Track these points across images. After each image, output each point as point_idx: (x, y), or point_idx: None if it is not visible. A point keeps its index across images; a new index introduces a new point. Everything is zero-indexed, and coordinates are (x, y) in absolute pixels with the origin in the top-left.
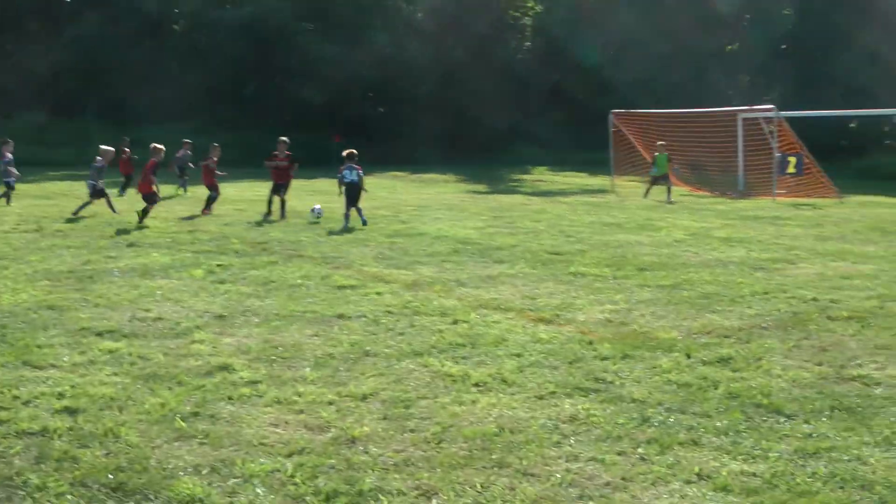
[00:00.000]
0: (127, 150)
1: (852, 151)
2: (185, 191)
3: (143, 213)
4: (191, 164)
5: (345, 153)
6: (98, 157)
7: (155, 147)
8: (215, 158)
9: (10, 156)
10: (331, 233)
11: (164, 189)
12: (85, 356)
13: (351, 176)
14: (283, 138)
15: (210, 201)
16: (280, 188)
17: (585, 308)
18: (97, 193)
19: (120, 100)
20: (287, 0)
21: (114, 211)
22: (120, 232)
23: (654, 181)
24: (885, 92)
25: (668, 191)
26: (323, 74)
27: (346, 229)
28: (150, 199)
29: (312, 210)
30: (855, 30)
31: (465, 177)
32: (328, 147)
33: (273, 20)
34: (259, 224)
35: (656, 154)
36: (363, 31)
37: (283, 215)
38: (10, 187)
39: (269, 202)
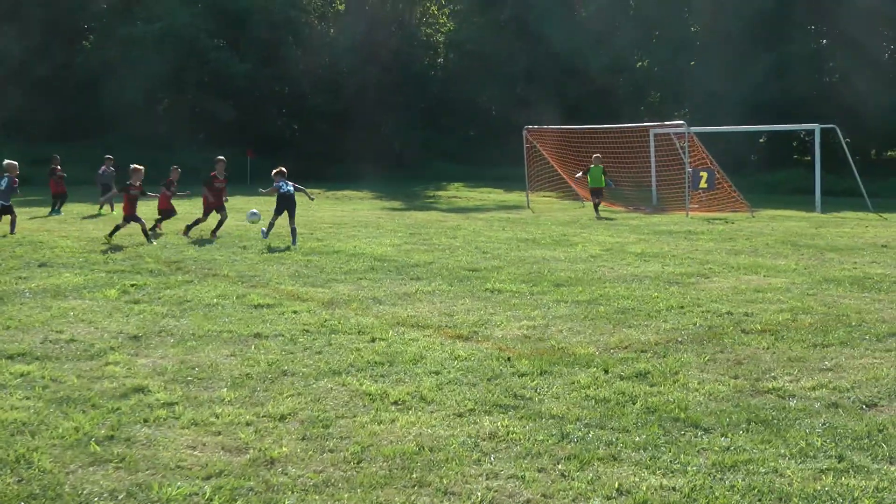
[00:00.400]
0: (58, 167)
1: (762, 166)
2: (102, 209)
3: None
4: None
5: (275, 171)
6: (6, 174)
7: (135, 168)
8: (173, 179)
9: None
10: (246, 250)
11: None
12: None
13: (287, 187)
14: (221, 157)
15: (195, 223)
16: (221, 209)
17: (503, 324)
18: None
19: (27, 116)
20: (199, 16)
21: (12, 231)
22: (31, 252)
23: (592, 195)
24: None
25: (596, 206)
26: (236, 90)
27: (265, 243)
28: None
29: (250, 214)
30: (762, 47)
31: (380, 193)
32: (242, 163)
33: (186, 36)
34: (174, 243)
35: (591, 166)
36: (276, 47)
37: (215, 234)
38: None
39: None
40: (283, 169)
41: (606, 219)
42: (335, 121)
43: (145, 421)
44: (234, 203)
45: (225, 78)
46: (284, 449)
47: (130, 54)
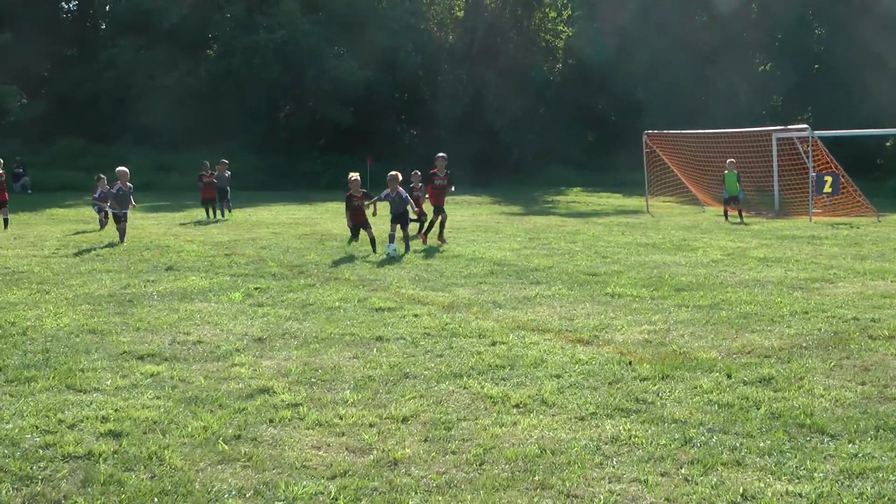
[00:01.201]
0: (207, 173)
1: (889, 170)
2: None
3: None
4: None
5: (391, 174)
6: (117, 182)
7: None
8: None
9: (106, 189)
10: (367, 255)
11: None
12: (127, 380)
13: (399, 194)
14: (442, 154)
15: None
16: (437, 210)
17: (623, 329)
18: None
19: (155, 124)
20: (317, 24)
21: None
22: (158, 256)
23: (727, 202)
24: None
25: (740, 213)
26: (353, 96)
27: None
28: None
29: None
30: (887, 50)
31: (499, 198)
32: (363, 170)
33: (305, 43)
34: (295, 247)
35: (725, 172)
36: (394, 53)
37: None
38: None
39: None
40: (398, 173)
41: (733, 224)
42: (452, 126)
43: (271, 421)
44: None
45: (344, 85)
46: (407, 450)
47: (252, 62)
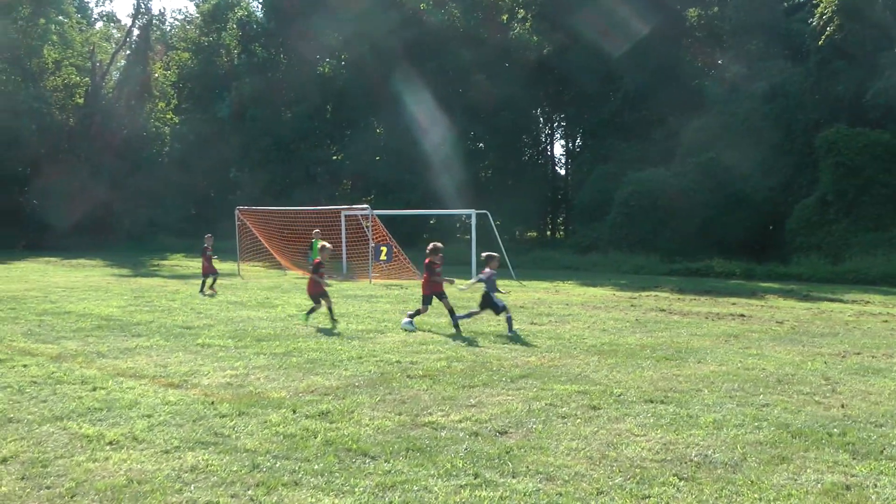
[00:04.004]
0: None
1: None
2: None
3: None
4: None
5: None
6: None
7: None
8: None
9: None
10: None
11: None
12: None
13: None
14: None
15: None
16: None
17: (210, 374)
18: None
19: None
20: None
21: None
22: None
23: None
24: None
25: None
26: None
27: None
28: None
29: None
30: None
31: (111, 262)
32: None
33: None
34: None
35: (313, 240)
36: (17, 132)
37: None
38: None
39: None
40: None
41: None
42: (72, 198)
43: None
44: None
45: None
46: (4, 488)
47: None
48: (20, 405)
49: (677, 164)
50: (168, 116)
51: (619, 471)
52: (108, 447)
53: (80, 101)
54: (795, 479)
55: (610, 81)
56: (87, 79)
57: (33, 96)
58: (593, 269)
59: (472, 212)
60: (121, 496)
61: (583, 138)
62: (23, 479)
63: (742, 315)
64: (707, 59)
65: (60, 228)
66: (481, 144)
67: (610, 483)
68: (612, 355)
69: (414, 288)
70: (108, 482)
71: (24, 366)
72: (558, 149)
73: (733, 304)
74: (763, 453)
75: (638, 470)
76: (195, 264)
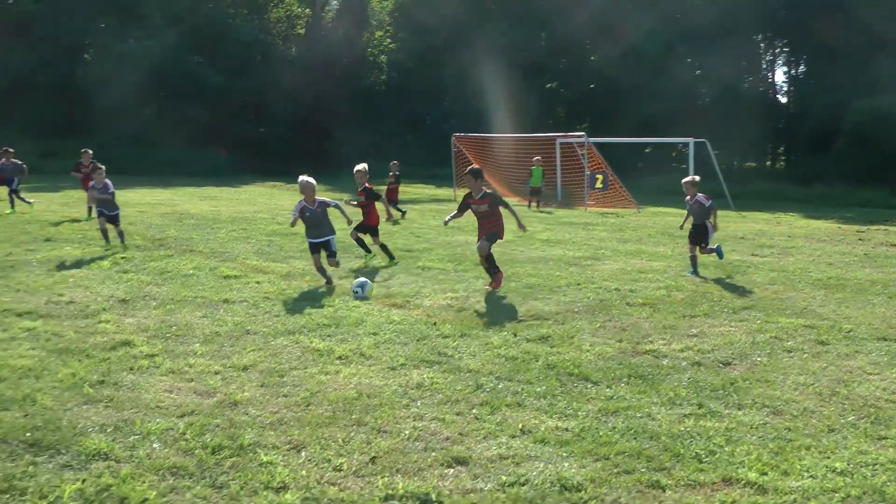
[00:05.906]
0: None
1: (648, 171)
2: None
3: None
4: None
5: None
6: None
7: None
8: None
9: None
10: (217, 231)
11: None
12: (6, 333)
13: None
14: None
15: None
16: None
17: (431, 295)
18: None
19: (38, 116)
20: (181, 36)
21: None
22: (38, 230)
23: (532, 192)
24: (668, 125)
25: (538, 202)
26: (211, 98)
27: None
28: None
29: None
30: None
31: (331, 187)
32: (215, 160)
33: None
34: (157, 224)
35: (532, 168)
36: (246, 63)
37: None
38: None
39: None
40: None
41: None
42: (296, 125)
43: (131, 369)
44: (209, 192)
45: (202, 88)
46: (246, 394)
47: (123, 67)
48: (256, 318)
49: None
50: (386, 43)
51: (852, 409)
52: (337, 361)
53: (301, 31)
54: None
55: (838, 3)
56: (307, 10)
57: (258, 28)
58: (816, 201)
59: (691, 140)
60: (352, 407)
61: (807, 65)
62: (262, 386)
63: None
64: None
65: (283, 154)
66: (699, 71)
67: (842, 421)
68: (839, 290)
69: (630, 217)
70: (340, 394)
71: (258, 282)
72: (780, 76)
73: None
74: None
75: (872, 409)
76: (411, 189)
